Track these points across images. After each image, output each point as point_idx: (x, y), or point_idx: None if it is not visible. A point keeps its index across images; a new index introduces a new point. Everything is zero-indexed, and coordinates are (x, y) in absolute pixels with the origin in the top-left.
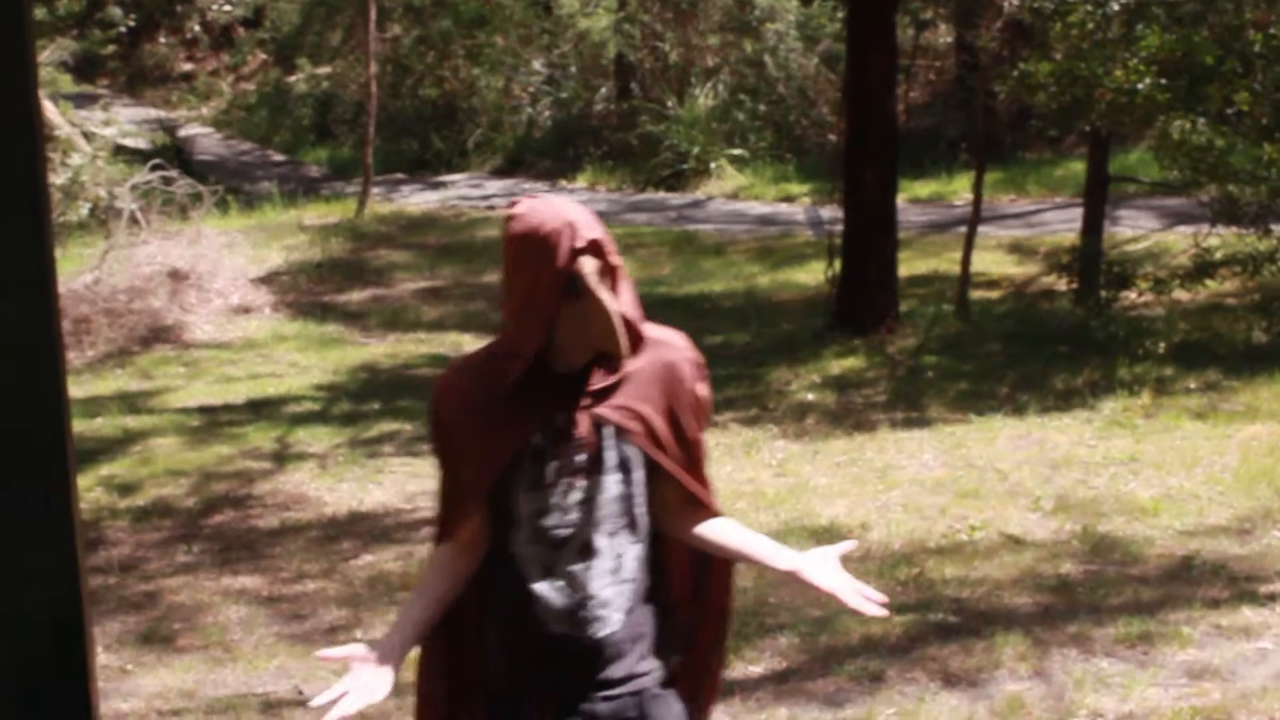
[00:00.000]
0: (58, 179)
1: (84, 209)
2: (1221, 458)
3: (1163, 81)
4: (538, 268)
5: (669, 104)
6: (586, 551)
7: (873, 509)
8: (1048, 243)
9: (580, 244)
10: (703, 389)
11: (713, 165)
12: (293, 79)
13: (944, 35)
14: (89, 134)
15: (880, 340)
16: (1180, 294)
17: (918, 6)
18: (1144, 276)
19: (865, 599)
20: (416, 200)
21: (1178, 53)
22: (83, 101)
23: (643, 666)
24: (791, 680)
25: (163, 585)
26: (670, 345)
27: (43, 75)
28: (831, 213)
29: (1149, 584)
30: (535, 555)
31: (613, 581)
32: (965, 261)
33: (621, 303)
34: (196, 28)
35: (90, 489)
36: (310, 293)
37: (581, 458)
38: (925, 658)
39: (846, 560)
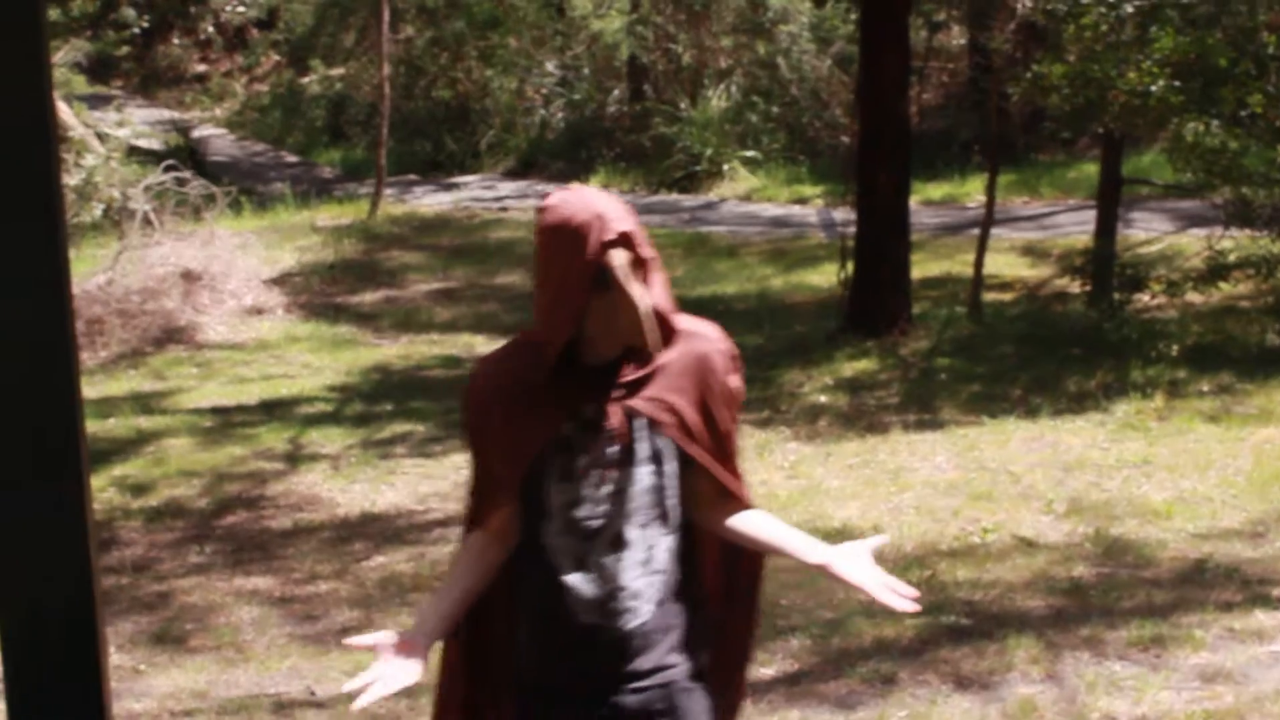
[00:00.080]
0: (71, 180)
1: (98, 210)
2: (1235, 461)
3: (1176, 84)
4: (567, 260)
5: (682, 106)
6: (618, 543)
7: (885, 511)
8: (1061, 245)
9: (610, 236)
10: (735, 380)
11: (725, 167)
12: (306, 80)
13: (957, 37)
14: (103, 135)
15: (893, 342)
16: (1194, 296)
17: (931, 8)
18: (1157, 279)
19: (895, 594)
20: (429, 201)
21: (1191, 55)
22: (97, 102)
23: (672, 659)
24: (803, 682)
25: (175, 586)
26: (703, 337)
27: (57, 76)
28: (844, 215)
29: (1162, 587)
30: (567, 546)
31: (644, 573)
32: (978, 264)
33: (653, 295)
34: (210, 29)
35: (103, 489)
36: (323, 294)
37: (613, 449)
38: (937, 660)
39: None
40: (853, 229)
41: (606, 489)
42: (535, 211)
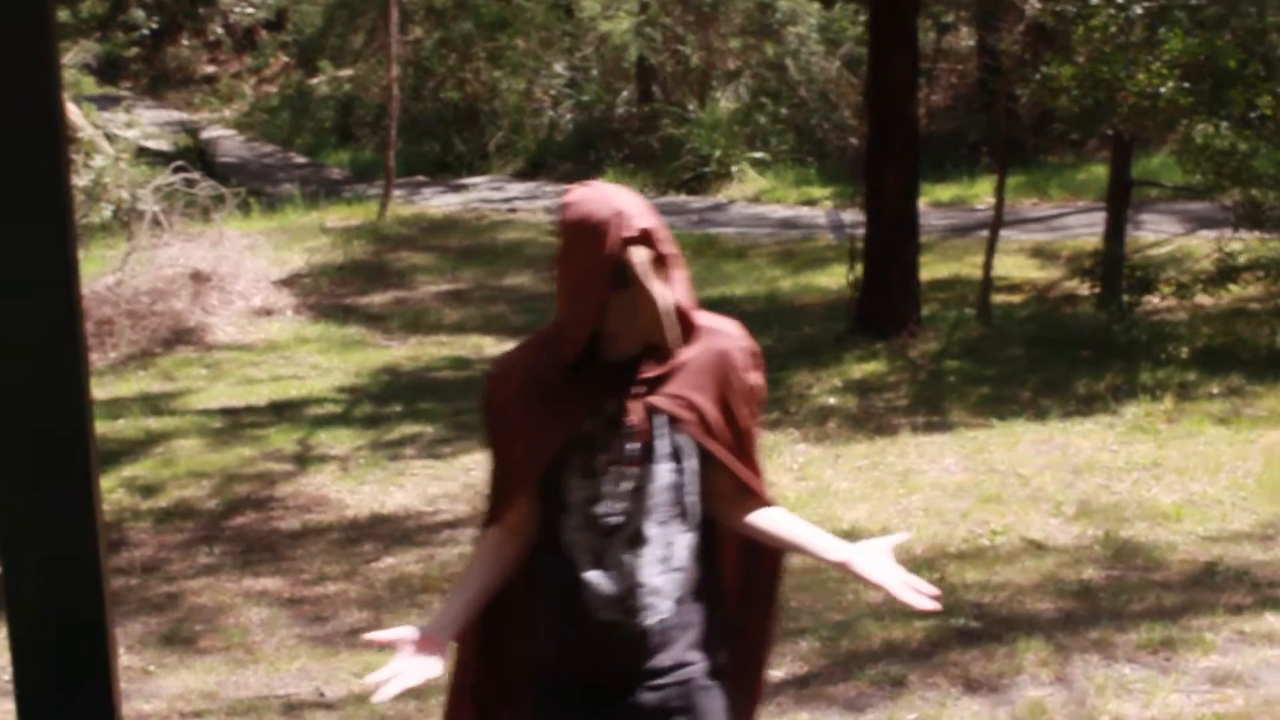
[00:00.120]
0: (81, 181)
1: (107, 211)
2: (1244, 463)
3: (1185, 85)
4: (587, 256)
5: (690, 107)
6: (637, 540)
7: (894, 513)
8: (1070, 247)
9: (630, 233)
10: (756, 378)
11: (734, 168)
12: (315, 81)
13: (966, 38)
14: (112, 136)
15: (902, 344)
16: (1203, 299)
17: (939, 10)
18: (1167, 281)
19: (916, 592)
20: (438, 203)
21: (1201, 56)
22: (106, 103)
23: (690, 656)
24: (812, 685)
25: (184, 587)
26: (724, 334)
27: (66, 77)
28: (853, 216)
29: (1171, 590)
30: (586, 543)
31: (663, 570)
32: (987, 265)
33: (674, 292)
34: (219, 30)
35: (112, 490)
36: (332, 295)
37: (633, 446)
38: (947, 663)
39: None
40: (861, 231)
41: (626, 486)
42: (556, 207)
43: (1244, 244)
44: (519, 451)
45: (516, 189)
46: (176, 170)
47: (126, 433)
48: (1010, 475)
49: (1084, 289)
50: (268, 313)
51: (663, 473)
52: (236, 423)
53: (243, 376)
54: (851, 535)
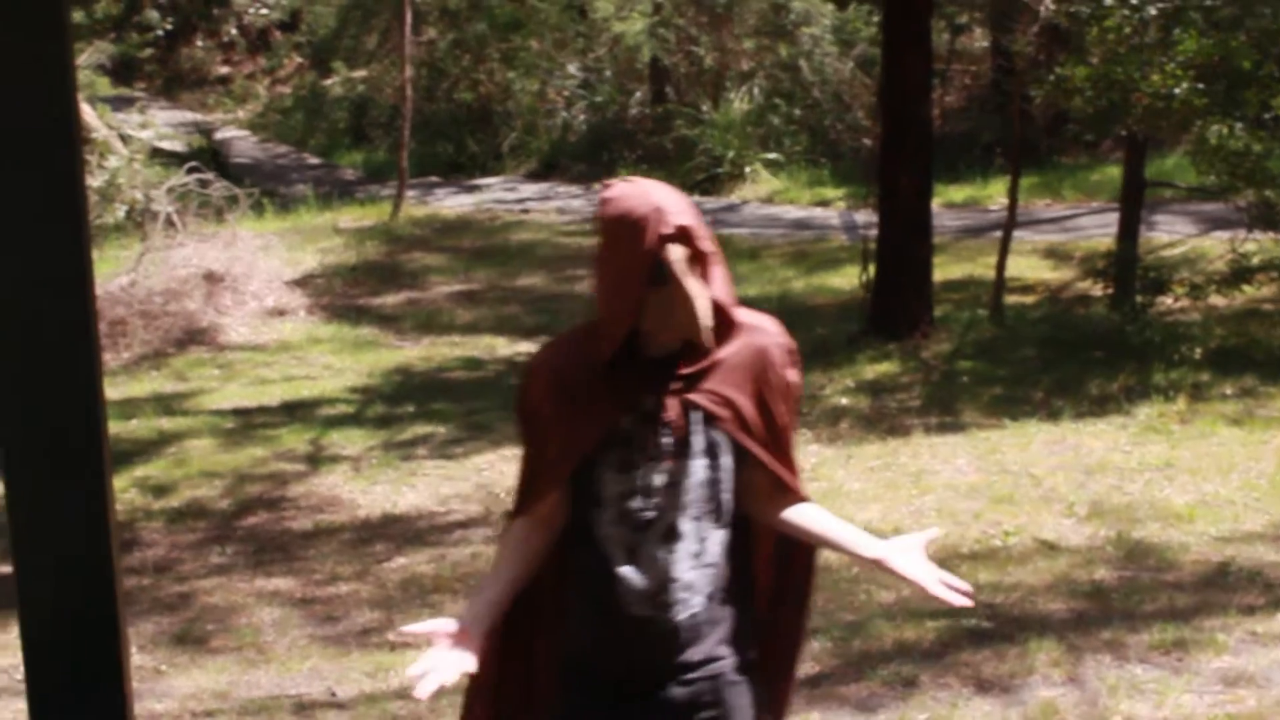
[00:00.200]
0: (95, 181)
1: (121, 211)
2: (1258, 464)
3: (1200, 86)
4: (625, 253)
5: (704, 108)
6: (671, 535)
7: (906, 514)
8: (1083, 248)
9: (668, 230)
10: (793, 375)
11: (747, 169)
12: (328, 82)
13: (979, 39)
14: (126, 137)
15: (915, 345)
16: (1216, 299)
17: (953, 11)
18: (1180, 282)
19: (949, 588)
20: (451, 203)
21: (1215, 57)
22: (120, 104)
23: (720, 651)
24: (824, 685)
25: (197, 586)
26: (763, 330)
27: (80, 78)
28: (866, 217)
29: (1184, 590)
30: (619, 537)
31: (695, 565)
32: (1000, 266)
33: (713, 289)
34: (233, 31)
35: (125, 490)
36: (345, 295)
37: (669, 442)
38: (958, 663)
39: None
40: (874, 231)
41: (661, 481)
42: (595, 203)
43: (1258, 245)
44: (553, 445)
45: (530, 190)
46: (190, 171)
47: (139, 433)
48: (1023, 476)
49: (1097, 290)
50: (281, 313)
51: (698, 469)
52: (249, 423)
53: (255, 377)
54: None
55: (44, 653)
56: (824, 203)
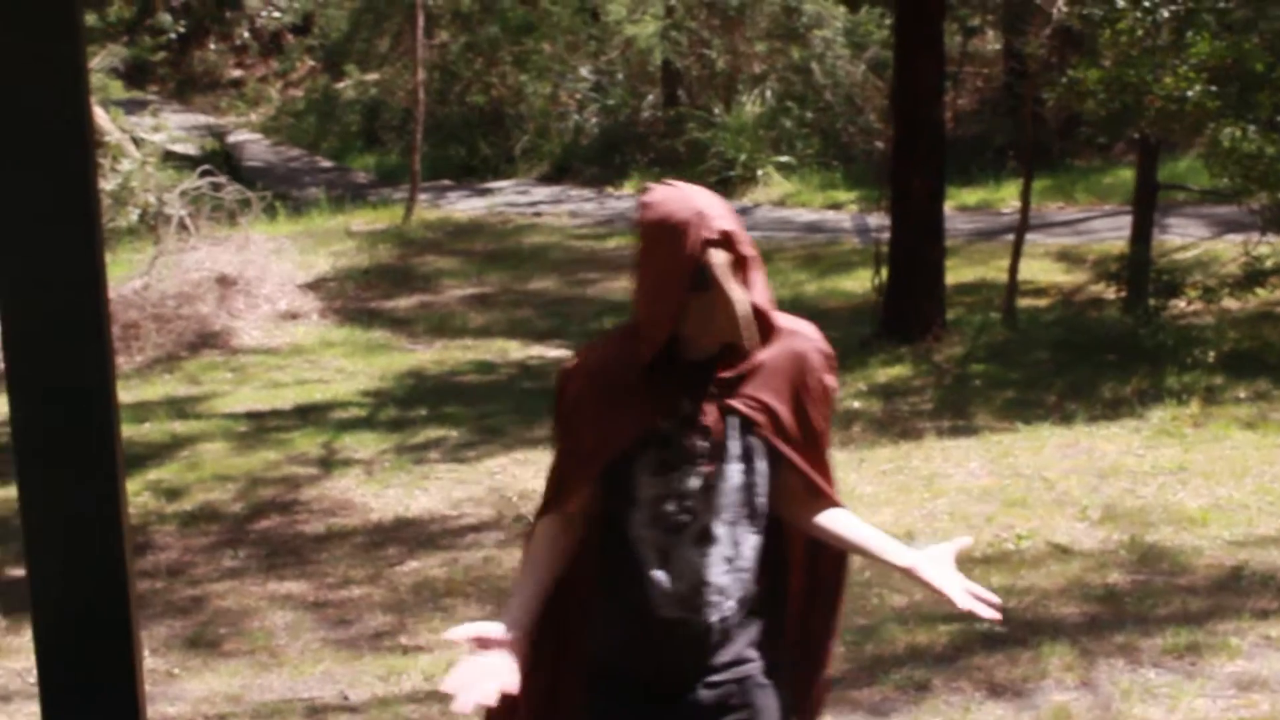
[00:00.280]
0: (108, 185)
1: (133, 215)
2: (1271, 467)
3: (1213, 89)
4: (667, 258)
5: (716, 111)
6: (705, 538)
7: (919, 517)
8: (1096, 251)
9: (711, 235)
10: (831, 380)
11: (759, 172)
12: (341, 85)
13: (992, 42)
14: (139, 140)
15: (927, 348)
16: (1230, 303)
17: (966, 13)
18: (1193, 285)
19: (977, 599)
20: (463, 207)
21: (1228, 60)
22: (133, 107)
23: (749, 654)
24: (836, 689)
25: (209, 590)
26: (802, 335)
27: (93, 81)
28: (878, 220)
29: (1197, 594)
30: (653, 540)
31: (728, 569)
32: (1013, 269)
33: (753, 294)
34: (246, 34)
35: (138, 493)
36: (357, 299)
37: (706, 445)
38: (971, 667)
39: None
40: (887, 234)
41: (696, 484)
42: (636, 207)
43: (1271, 248)
44: (588, 444)
45: (542, 193)
46: (203, 174)
47: (152, 436)
48: (1035, 479)
49: (1110, 293)
50: (293, 316)
51: (733, 473)
52: (261, 426)
53: (268, 380)
54: None
55: (56, 655)
56: (836, 206)
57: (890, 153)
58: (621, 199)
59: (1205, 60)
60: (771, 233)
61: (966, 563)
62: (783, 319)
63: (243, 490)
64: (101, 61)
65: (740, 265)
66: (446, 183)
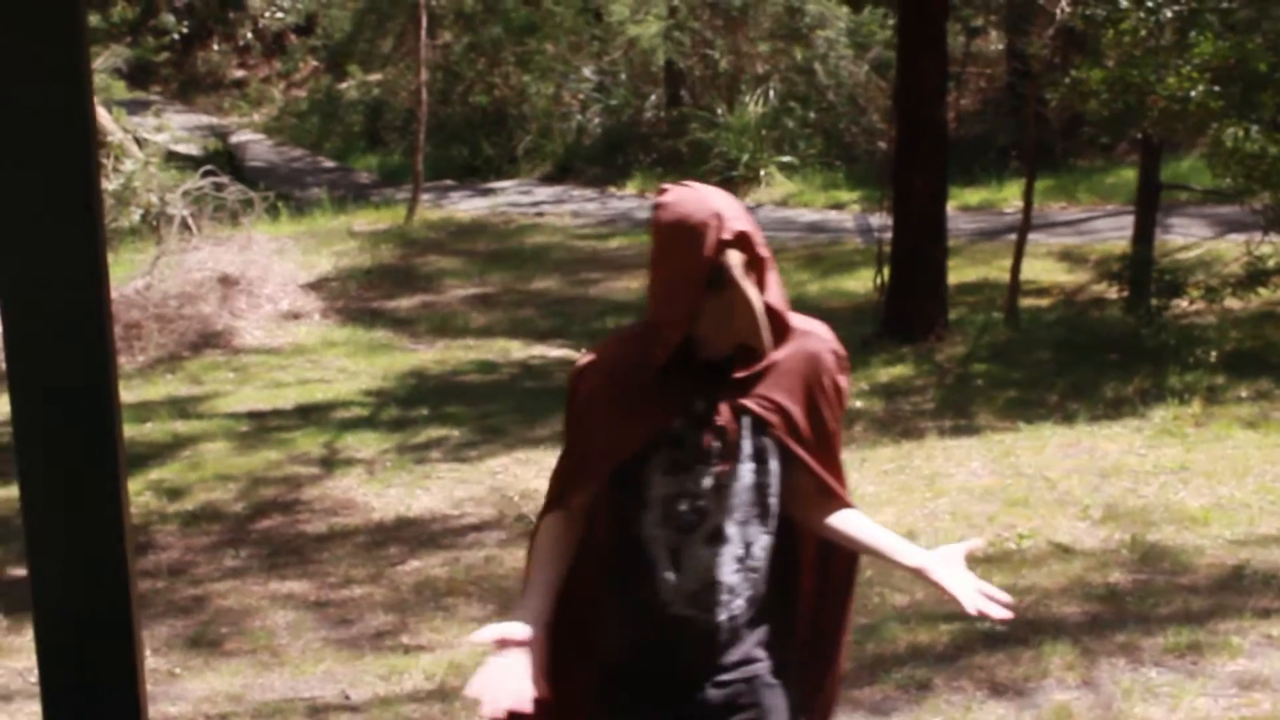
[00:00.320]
0: (110, 185)
1: (136, 215)
2: (1273, 467)
3: (1216, 89)
4: (683, 258)
5: (719, 111)
6: (716, 538)
7: (920, 517)
8: (1098, 250)
9: (727, 236)
10: (844, 380)
11: (762, 172)
12: (344, 86)
13: (995, 42)
14: (141, 140)
15: (929, 348)
16: (1232, 302)
17: (969, 13)
18: (1195, 285)
19: (988, 599)
20: (466, 207)
21: (1231, 60)
22: (136, 108)
23: (758, 653)
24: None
25: (211, 589)
26: (815, 335)
27: (96, 82)
28: (881, 220)
29: (1199, 593)
30: (664, 538)
31: (739, 569)
32: (1015, 269)
33: (767, 295)
34: (249, 35)
35: (140, 493)
36: (360, 299)
37: (719, 445)
38: (972, 666)
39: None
40: (889, 234)
41: (708, 484)
42: (651, 207)
43: (1274, 247)
44: (600, 443)
45: (544, 193)
46: (205, 174)
47: (154, 436)
48: (1037, 479)
49: (1112, 293)
50: (295, 316)
51: (746, 473)
52: (263, 426)
53: (270, 380)
54: None
55: (58, 655)
56: (839, 206)
57: (893, 153)
58: (624, 199)
59: (1208, 60)
60: (774, 233)
61: (968, 562)
62: (796, 319)
63: (244, 490)
64: (105, 62)
65: (755, 266)
66: (449, 183)
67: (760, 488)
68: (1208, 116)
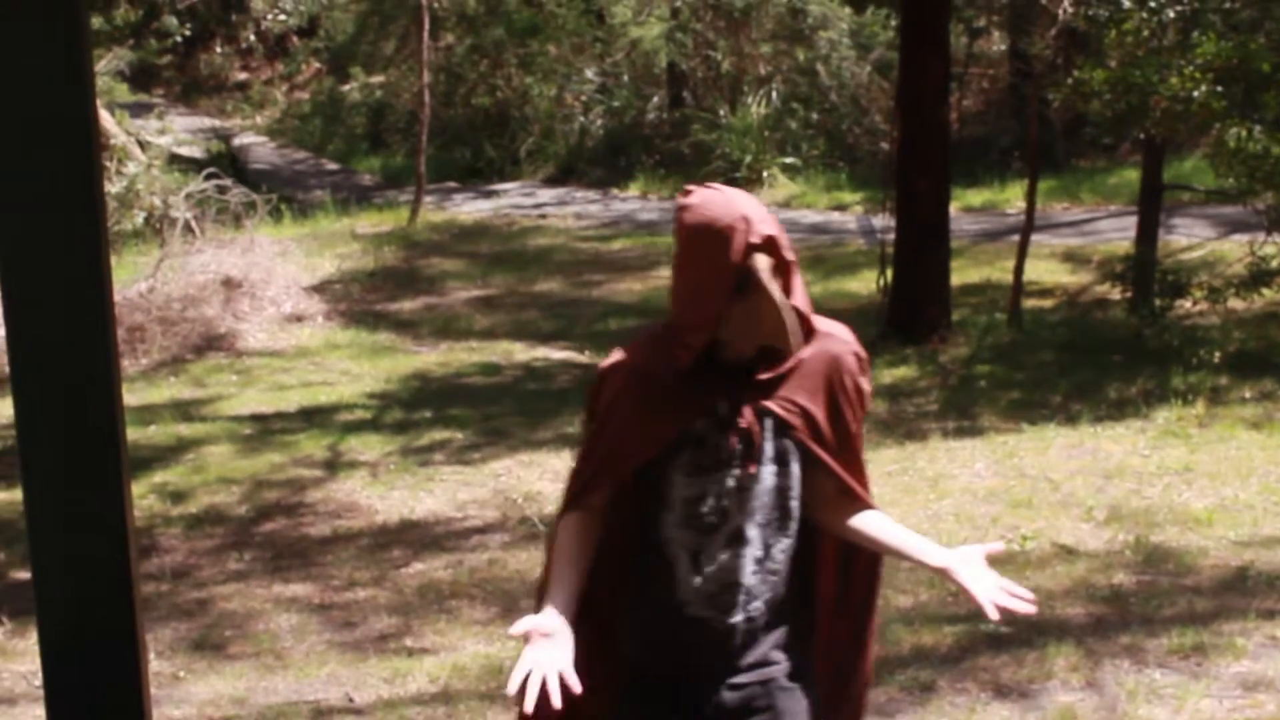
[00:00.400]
0: (113, 188)
1: (139, 217)
2: (1277, 468)
3: (1218, 89)
4: (710, 263)
5: (721, 112)
6: (737, 539)
7: (924, 518)
8: (1101, 251)
9: (756, 240)
10: (865, 382)
11: (765, 174)
12: (346, 88)
13: (997, 43)
14: (144, 143)
15: (932, 349)
16: (1235, 303)
17: (971, 14)
18: (1199, 285)
19: (1010, 595)
20: (469, 209)
21: (1234, 60)
22: (139, 110)
23: (775, 656)
24: None
25: (215, 592)
26: (836, 338)
27: (99, 84)
28: (884, 221)
29: (1203, 595)
30: (684, 539)
31: (759, 570)
32: (1018, 270)
33: (794, 297)
34: (251, 37)
35: (143, 496)
36: (362, 301)
37: (742, 447)
38: (976, 668)
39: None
40: (892, 235)
41: (730, 485)
42: (676, 209)
43: (1277, 248)
44: (623, 444)
45: (547, 195)
46: (208, 177)
47: (158, 439)
48: (1041, 480)
49: (1115, 293)
50: (298, 319)
51: (768, 475)
52: (267, 429)
53: (273, 383)
54: None
55: (62, 658)
56: (841, 207)
57: (895, 154)
58: (626, 201)
59: (1211, 60)
60: None
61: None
62: (818, 321)
63: (248, 493)
64: (107, 65)
65: (782, 270)
66: (452, 185)
67: (781, 490)
68: (1210, 117)
